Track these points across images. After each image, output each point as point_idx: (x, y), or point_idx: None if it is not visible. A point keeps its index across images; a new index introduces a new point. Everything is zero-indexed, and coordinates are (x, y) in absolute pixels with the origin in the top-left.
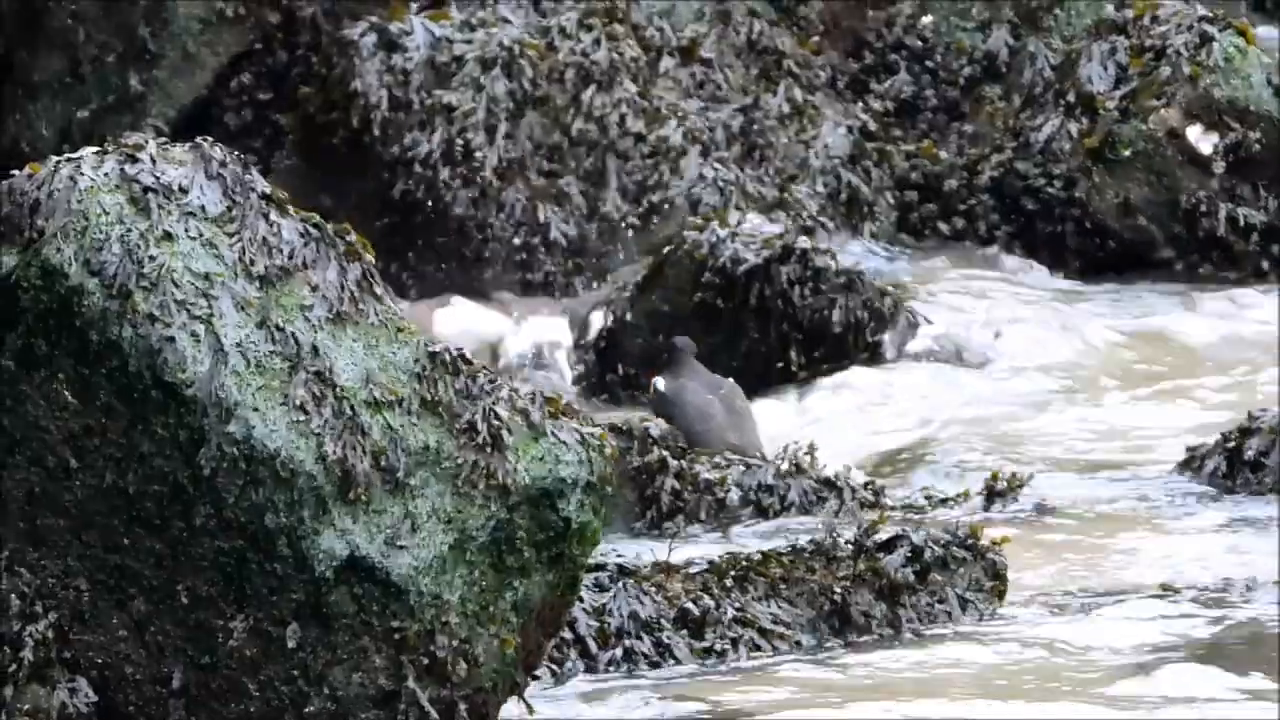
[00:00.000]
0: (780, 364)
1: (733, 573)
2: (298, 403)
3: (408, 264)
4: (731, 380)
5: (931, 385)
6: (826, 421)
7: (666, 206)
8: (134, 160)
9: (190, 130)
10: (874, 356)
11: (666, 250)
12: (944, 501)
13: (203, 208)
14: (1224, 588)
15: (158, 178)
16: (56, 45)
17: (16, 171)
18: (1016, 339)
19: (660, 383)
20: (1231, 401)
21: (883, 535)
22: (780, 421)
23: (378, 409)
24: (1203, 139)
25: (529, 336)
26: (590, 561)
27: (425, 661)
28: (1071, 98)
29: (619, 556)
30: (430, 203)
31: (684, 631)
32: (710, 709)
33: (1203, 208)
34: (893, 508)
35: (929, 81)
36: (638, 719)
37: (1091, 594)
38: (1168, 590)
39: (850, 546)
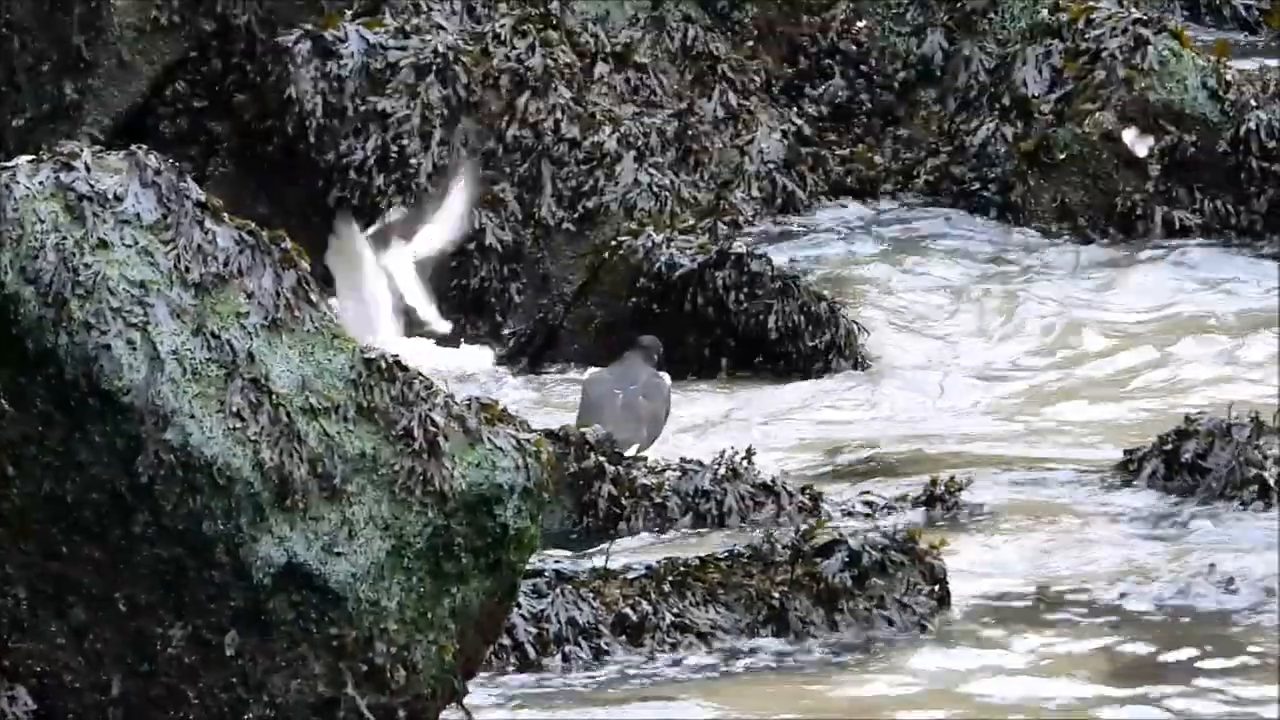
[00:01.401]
0: (716, 369)
1: (670, 578)
2: (234, 410)
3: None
4: (653, 377)
5: (870, 390)
6: (763, 427)
7: (602, 212)
8: (69, 168)
9: (126, 138)
10: (811, 362)
11: (602, 256)
12: (883, 507)
13: (138, 215)
14: (1167, 590)
15: (93, 186)
16: None
17: None
18: (951, 341)
19: (589, 371)
20: (1163, 391)
21: (820, 540)
22: (716, 427)
23: (314, 416)
24: (1138, 142)
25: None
26: (528, 567)
27: (364, 668)
28: (1007, 101)
29: (557, 563)
30: (365, 209)
31: (622, 637)
32: (650, 714)
33: (1139, 211)
34: (830, 513)
35: (864, 86)
36: None
37: (1032, 598)
38: (1111, 593)
39: (788, 551)
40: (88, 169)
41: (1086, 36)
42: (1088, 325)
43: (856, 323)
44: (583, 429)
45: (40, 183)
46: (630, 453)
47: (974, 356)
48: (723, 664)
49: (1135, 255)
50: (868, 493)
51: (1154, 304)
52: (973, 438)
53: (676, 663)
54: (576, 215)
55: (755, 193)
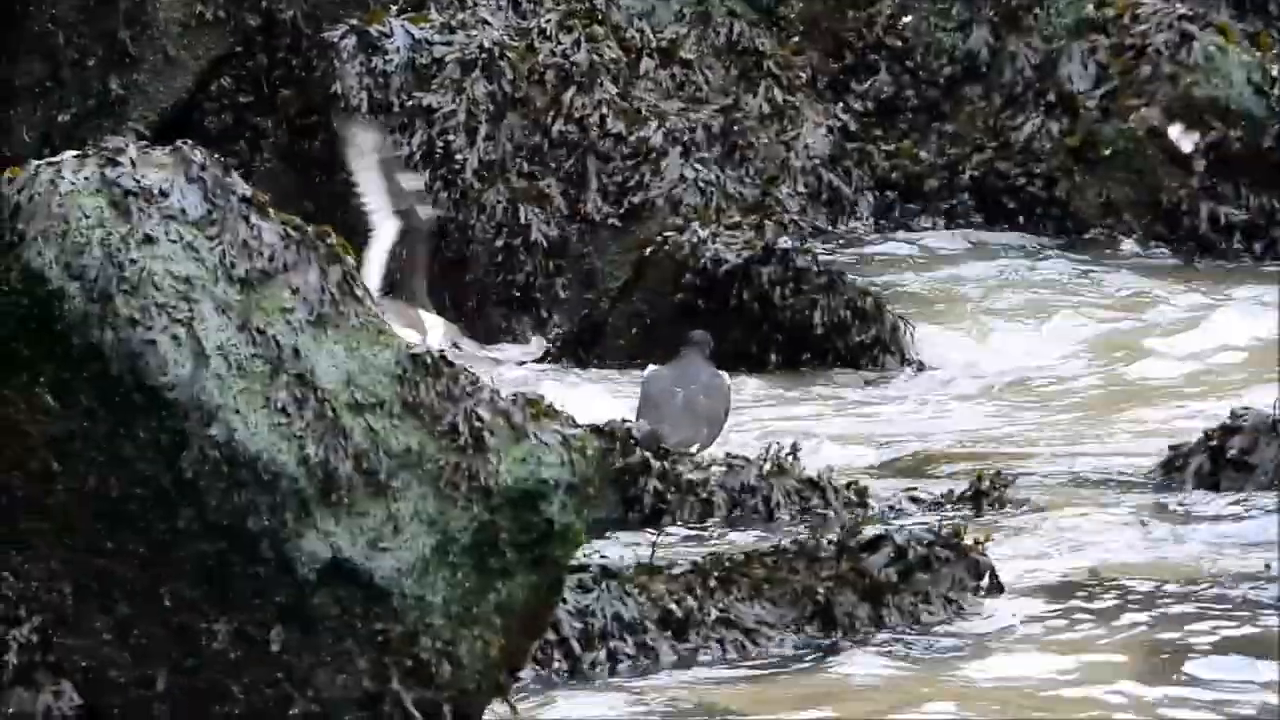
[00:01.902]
0: (762, 365)
1: (716, 574)
2: (279, 405)
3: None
4: (713, 377)
5: (916, 386)
6: (808, 422)
7: (647, 207)
8: (114, 164)
9: (171, 133)
10: (857, 357)
11: (647, 251)
12: (929, 503)
13: (183, 211)
14: (1215, 585)
15: (138, 181)
16: (36, 50)
17: None
18: (998, 340)
19: (649, 369)
20: (1212, 393)
21: (866, 535)
22: (762, 423)
23: (359, 411)
24: (1184, 138)
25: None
26: (573, 563)
27: (409, 664)
28: (1052, 97)
29: (602, 558)
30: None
31: (667, 633)
32: (695, 710)
33: (1184, 206)
34: (876, 509)
35: (909, 82)
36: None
37: (1076, 593)
38: (1156, 588)
39: (833, 547)
40: (133, 164)
41: (1132, 32)
42: (1135, 327)
43: (903, 318)
44: (628, 424)
45: (86, 178)
46: (691, 452)
47: (1021, 355)
48: (766, 659)
49: (1183, 258)
50: (913, 488)
51: (1201, 304)
52: (1018, 435)
53: (721, 658)
54: (622, 210)
55: (801, 188)
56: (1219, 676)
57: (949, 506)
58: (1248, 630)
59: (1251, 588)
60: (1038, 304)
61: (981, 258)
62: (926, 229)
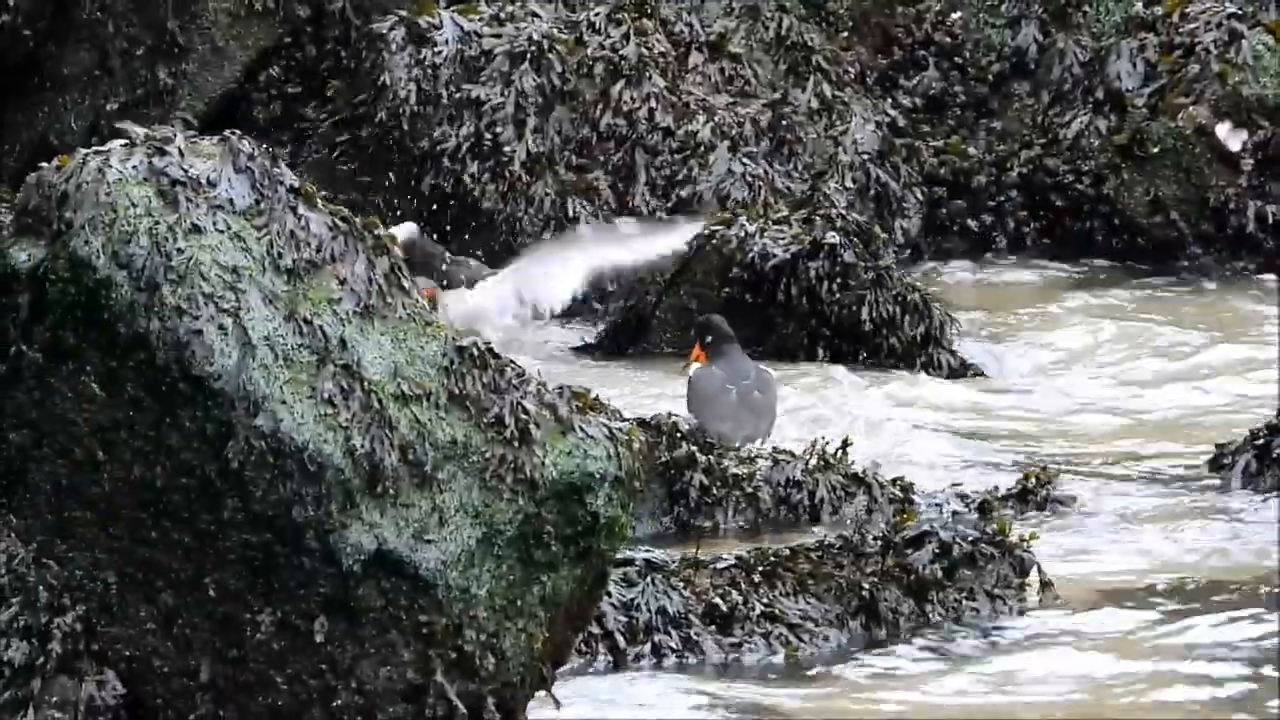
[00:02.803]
0: (809, 360)
1: (761, 568)
2: (325, 396)
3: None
4: (762, 370)
5: (962, 383)
6: (854, 417)
7: (695, 201)
8: (162, 153)
9: (219, 124)
10: (903, 353)
11: (695, 245)
12: (974, 500)
13: (231, 201)
14: (1262, 584)
15: (186, 170)
16: (85, 39)
17: (45, 164)
18: (1046, 337)
19: (694, 368)
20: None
21: (911, 531)
22: (808, 417)
23: (405, 403)
24: (1231, 136)
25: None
26: (618, 556)
27: (453, 655)
28: (1100, 95)
29: (647, 551)
30: (458, 197)
31: (712, 627)
32: (737, 706)
33: (1231, 205)
34: (921, 505)
35: (958, 78)
36: (666, 717)
37: (1122, 591)
38: (1201, 587)
39: (878, 542)
40: (181, 154)
41: (1181, 30)
42: (1185, 331)
43: (950, 316)
44: (674, 418)
45: (133, 167)
46: (753, 447)
47: (1069, 355)
48: (811, 656)
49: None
50: (959, 485)
51: (1257, 312)
52: (1065, 433)
53: (767, 653)
54: (670, 204)
55: (849, 184)
56: (1263, 674)
57: (995, 504)
58: None
59: None
60: (1086, 307)
61: (1034, 259)
62: (973, 225)
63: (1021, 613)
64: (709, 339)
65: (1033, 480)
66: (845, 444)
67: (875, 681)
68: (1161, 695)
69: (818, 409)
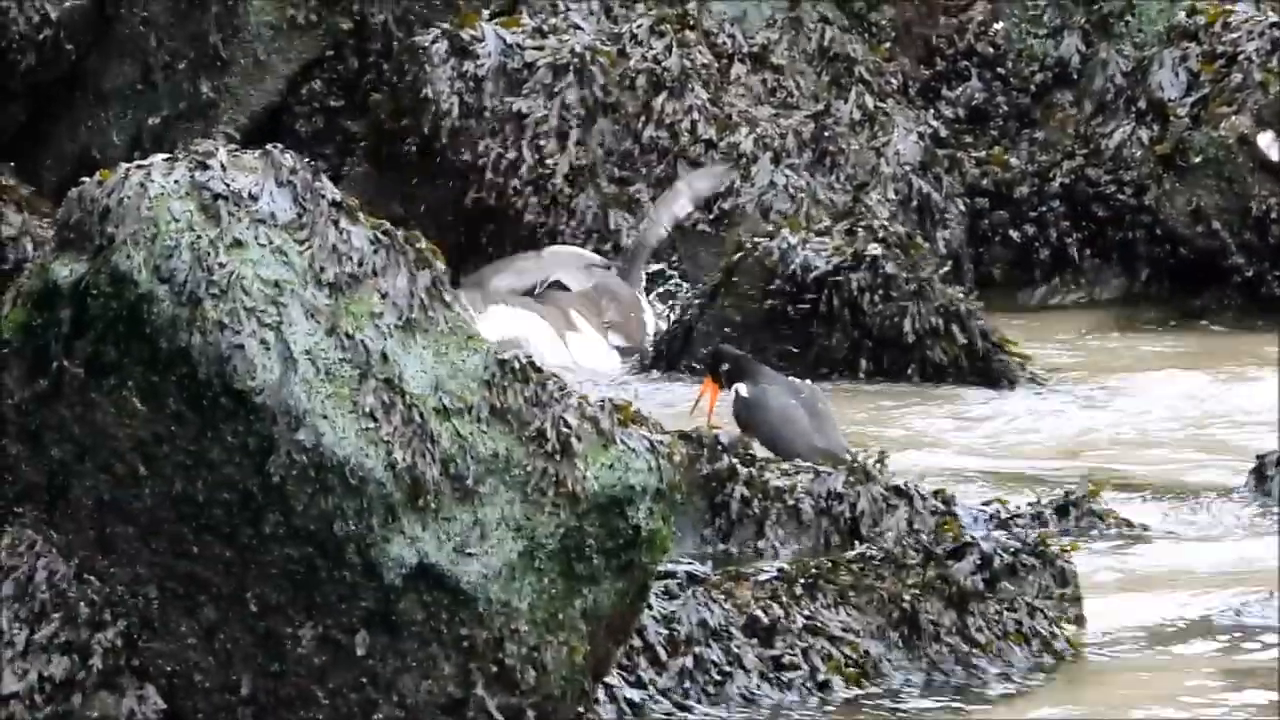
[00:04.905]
0: (852, 371)
1: (802, 580)
2: (367, 410)
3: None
4: (810, 383)
5: (1003, 397)
6: (896, 429)
7: (738, 213)
8: (204, 167)
9: (261, 137)
10: (945, 366)
11: (737, 257)
12: (1015, 514)
13: (273, 215)
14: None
15: (228, 185)
16: (128, 52)
17: (87, 179)
18: (1091, 356)
19: (743, 389)
20: None
21: (952, 543)
22: (850, 429)
23: (447, 416)
24: (1273, 146)
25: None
26: (660, 569)
27: (494, 669)
28: (1143, 104)
29: (689, 564)
30: (500, 210)
31: (753, 640)
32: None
33: (1273, 215)
34: (962, 517)
35: (1000, 88)
36: None
37: (1166, 606)
38: (1246, 602)
39: (919, 554)
40: (223, 168)
41: (1223, 40)
42: (1232, 349)
43: (993, 329)
44: (716, 431)
45: (175, 181)
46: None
47: (1112, 371)
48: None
49: None
50: (1001, 498)
51: None
52: (1108, 449)
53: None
54: (712, 216)
55: (891, 195)
56: None
57: (1036, 517)
58: None
59: None
60: (1127, 320)
61: (1079, 278)
62: (1015, 236)
63: (1061, 623)
64: (725, 367)
65: (1075, 494)
66: (883, 456)
67: (919, 698)
68: (1203, 710)
69: (860, 426)
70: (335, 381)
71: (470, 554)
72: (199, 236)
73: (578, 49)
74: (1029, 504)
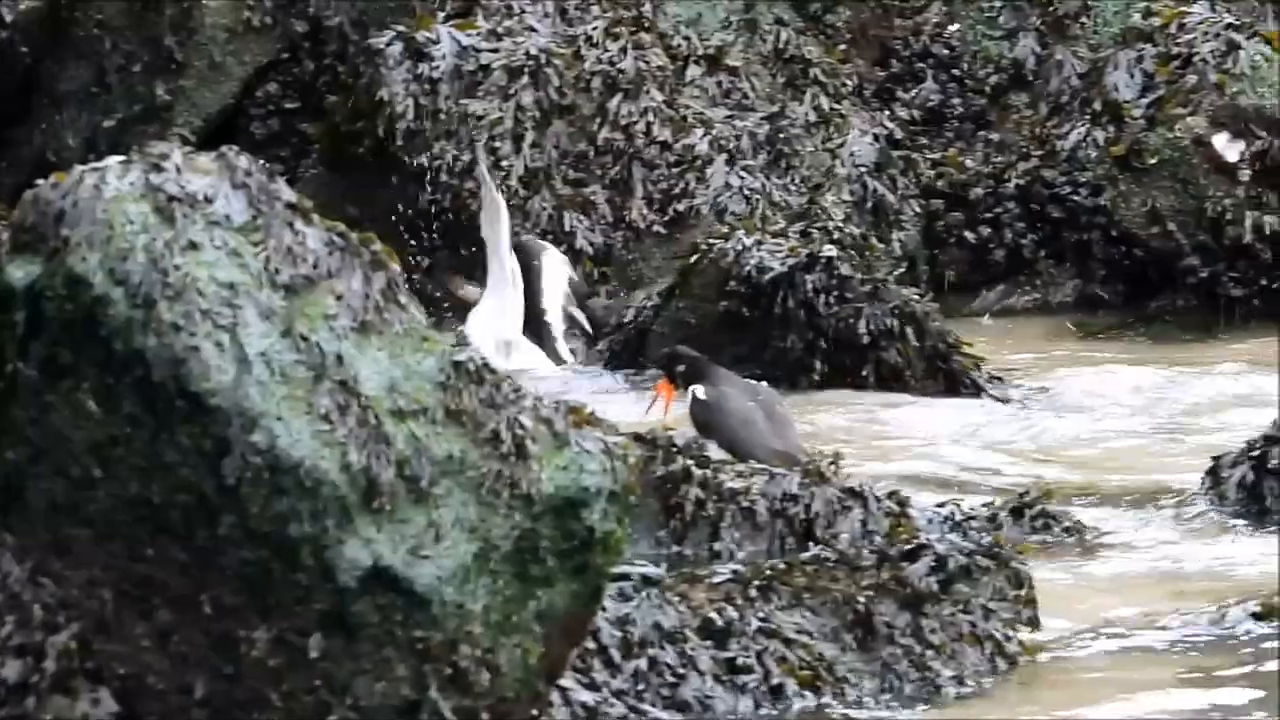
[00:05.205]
0: (807, 373)
1: (756, 582)
2: (322, 412)
3: (433, 273)
4: (767, 385)
5: (959, 402)
6: (851, 431)
7: (693, 215)
8: (159, 169)
9: (216, 140)
10: (900, 367)
11: (692, 259)
12: (969, 517)
13: (228, 217)
14: (1254, 600)
15: (183, 187)
16: (83, 55)
17: (42, 181)
18: (1046, 358)
19: (700, 391)
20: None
21: (906, 544)
22: (804, 431)
23: (402, 418)
24: (1229, 147)
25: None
26: (614, 571)
27: (448, 671)
28: (1098, 106)
29: (643, 566)
30: (455, 212)
31: (708, 642)
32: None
33: (1229, 216)
34: (917, 520)
35: (956, 90)
36: None
37: (1117, 606)
38: (1196, 602)
39: (874, 556)
40: (178, 170)
41: (1178, 41)
42: (1184, 355)
43: (948, 330)
44: (671, 433)
45: (130, 184)
46: (796, 461)
47: (1065, 374)
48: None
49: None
50: (955, 500)
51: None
52: (1062, 451)
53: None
54: (667, 218)
55: (846, 196)
56: (1253, 695)
57: (991, 519)
58: None
59: None
60: (1082, 321)
61: (1034, 279)
62: (971, 237)
63: (1015, 625)
64: (680, 368)
65: (1028, 496)
66: (837, 458)
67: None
68: (1149, 712)
69: (815, 429)
70: (290, 383)
71: (425, 556)
72: (154, 239)
73: (533, 51)
74: (984, 506)
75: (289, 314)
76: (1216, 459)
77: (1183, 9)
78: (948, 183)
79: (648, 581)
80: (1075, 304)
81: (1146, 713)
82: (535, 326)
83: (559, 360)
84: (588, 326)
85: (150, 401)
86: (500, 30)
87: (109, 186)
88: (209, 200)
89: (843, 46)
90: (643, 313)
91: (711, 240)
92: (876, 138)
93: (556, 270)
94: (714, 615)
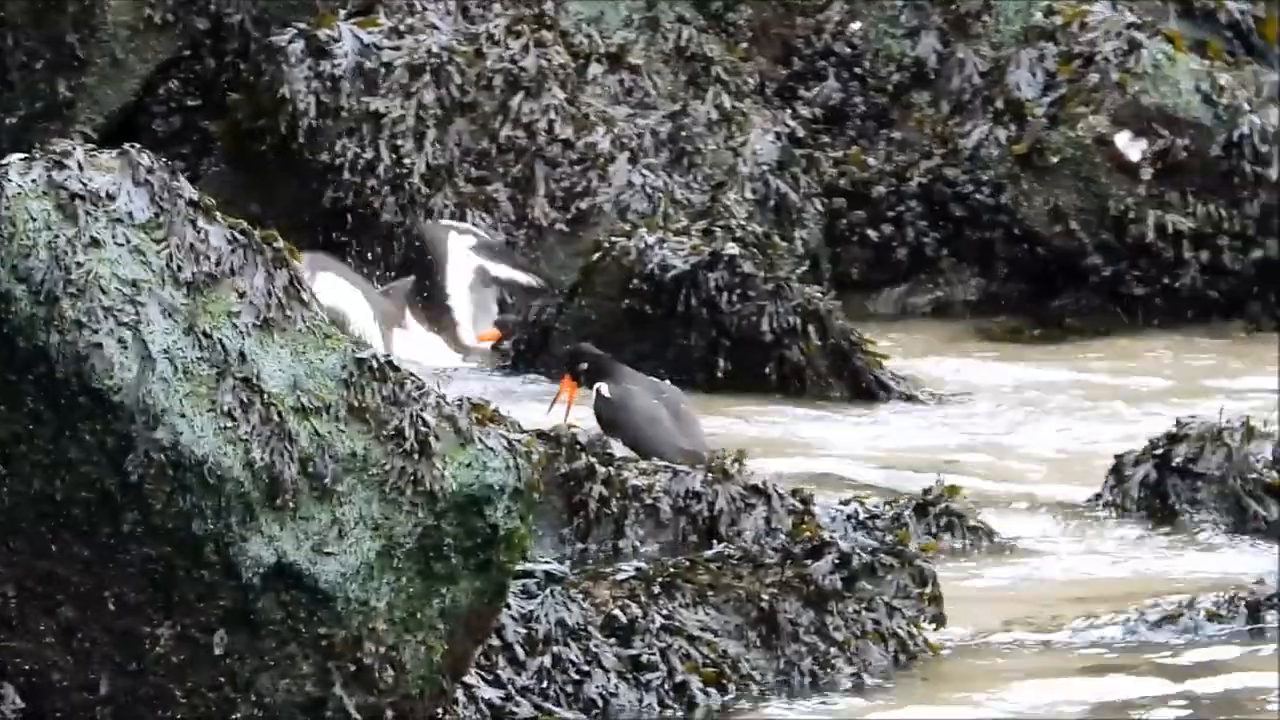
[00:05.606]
0: (710, 371)
1: (660, 579)
2: (225, 409)
3: None
4: (670, 384)
5: (864, 404)
6: (755, 430)
7: (595, 213)
8: (61, 167)
9: (119, 137)
10: (803, 366)
11: (595, 257)
12: (872, 515)
13: (130, 214)
14: (1154, 600)
15: (85, 184)
16: None
17: None
18: (953, 359)
19: (605, 388)
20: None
21: (810, 542)
22: (708, 429)
23: (305, 415)
24: (1131, 146)
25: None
26: (518, 568)
27: (352, 668)
28: (1000, 104)
29: (547, 563)
30: (358, 210)
31: (611, 639)
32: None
33: (1131, 214)
34: (821, 518)
35: (858, 88)
36: None
37: (1017, 605)
38: (1096, 603)
39: (777, 553)
40: (80, 167)
41: (1080, 40)
42: (1097, 352)
43: (851, 328)
44: (573, 429)
45: (33, 181)
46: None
47: (973, 374)
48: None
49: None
50: (859, 498)
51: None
52: (966, 450)
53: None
54: (569, 216)
55: (748, 195)
56: (1149, 691)
57: (895, 518)
58: (1202, 659)
59: (1195, 614)
60: (984, 320)
61: (936, 278)
62: (873, 235)
63: (918, 624)
64: (584, 366)
65: (931, 495)
66: (740, 455)
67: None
68: (1044, 711)
69: (718, 428)
70: (193, 380)
71: (328, 553)
72: (56, 236)
73: (434, 49)
74: (887, 504)
75: (192, 311)
76: (1119, 458)
77: (1084, 8)
78: (850, 181)
79: (552, 579)
80: (978, 303)
81: (1048, 713)
82: (438, 312)
83: (460, 348)
84: (530, 281)
85: (53, 398)
86: (402, 28)
87: (11, 184)
88: (111, 197)
89: (744, 45)
90: (545, 311)
91: (614, 238)
92: (779, 136)
93: (462, 254)
94: (618, 613)
